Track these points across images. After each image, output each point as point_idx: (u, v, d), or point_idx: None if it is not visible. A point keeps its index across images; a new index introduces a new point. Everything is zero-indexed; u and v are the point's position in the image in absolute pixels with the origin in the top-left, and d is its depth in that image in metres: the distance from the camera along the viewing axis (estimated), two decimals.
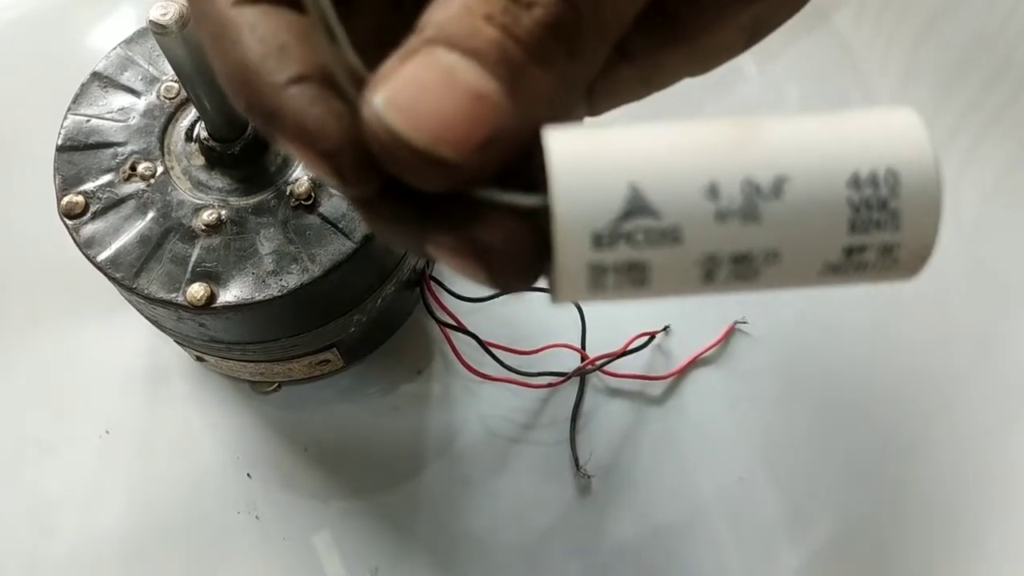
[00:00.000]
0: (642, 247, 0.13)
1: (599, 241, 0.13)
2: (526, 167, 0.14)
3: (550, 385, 0.32)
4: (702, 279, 0.13)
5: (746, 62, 0.40)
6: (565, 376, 0.32)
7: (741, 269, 0.13)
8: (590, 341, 0.33)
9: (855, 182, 0.13)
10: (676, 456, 0.32)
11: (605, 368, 0.32)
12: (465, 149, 0.12)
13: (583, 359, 0.32)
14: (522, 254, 0.13)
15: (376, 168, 0.13)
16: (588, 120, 0.20)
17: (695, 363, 0.33)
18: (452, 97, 0.12)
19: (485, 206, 0.13)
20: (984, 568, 0.30)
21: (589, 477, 0.32)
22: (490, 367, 0.32)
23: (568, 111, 0.14)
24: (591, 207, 0.13)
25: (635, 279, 0.13)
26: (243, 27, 0.14)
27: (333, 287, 0.27)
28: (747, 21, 0.18)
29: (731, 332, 0.34)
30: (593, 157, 0.13)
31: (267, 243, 0.26)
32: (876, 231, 0.13)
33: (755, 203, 0.13)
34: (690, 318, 0.34)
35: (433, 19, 0.13)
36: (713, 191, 0.13)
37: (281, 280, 0.26)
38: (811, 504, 0.32)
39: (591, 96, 0.19)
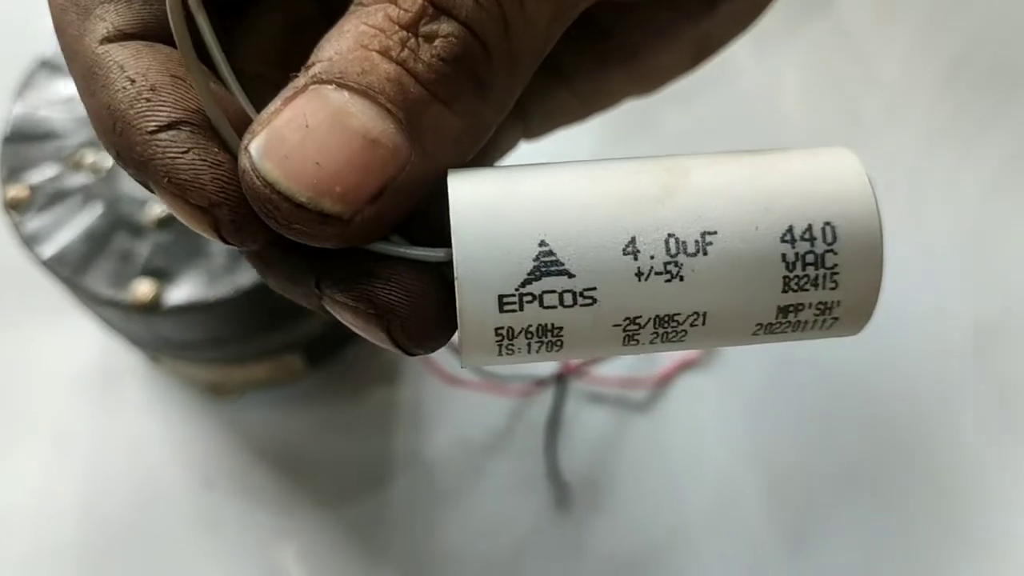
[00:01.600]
0: (555, 309, 0.12)
1: (506, 304, 0.11)
2: (435, 209, 0.12)
3: (526, 391, 0.30)
4: (623, 342, 0.12)
5: (743, 52, 0.38)
6: (543, 381, 0.30)
7: (666, 331, 0.12)
8: None
9: (789, 237, 0.12)
10: (661, 466, 0.31)
11: (585, 373, 0.31)
12: (355, 201, 0.11)
13: (561, 363, 0.31)
14: (426, 315, 0.12)
15: (260, 222, 0.12)
16: (524, 146, 0.18)
17: (681, 368, 0.32)
18: (341, 142, 0.11)
19: (384, 260, 0.12)
20: (987, 573, 0.29)
21: (568, 488, 0.30)
22: (463, 372, 0.30)
23: (473, 151, 0.13)
24: (496, 267, 0.11)
25: (548, 343, 0.12)
26: (112, 67, 0.12)
27: None
28: (693, 38, 0.17)
29: None
30: (499, 210, 0.12)
31: None
32: (813, 289, 0.12)
33: (679, 261, 0.12)
34: None
35: (322, 54, 0.11)
36: (632, 248, 0.12)
37: (235, 278, 0.24)
38: (804, 516, 0.30)
39: (526, 120, 0.17)
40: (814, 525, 0.30)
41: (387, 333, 0.12)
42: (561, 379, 0.31)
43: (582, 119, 0.18)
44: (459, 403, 0.31)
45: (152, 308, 0.24)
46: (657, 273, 0.11)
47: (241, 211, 0.12)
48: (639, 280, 0.11)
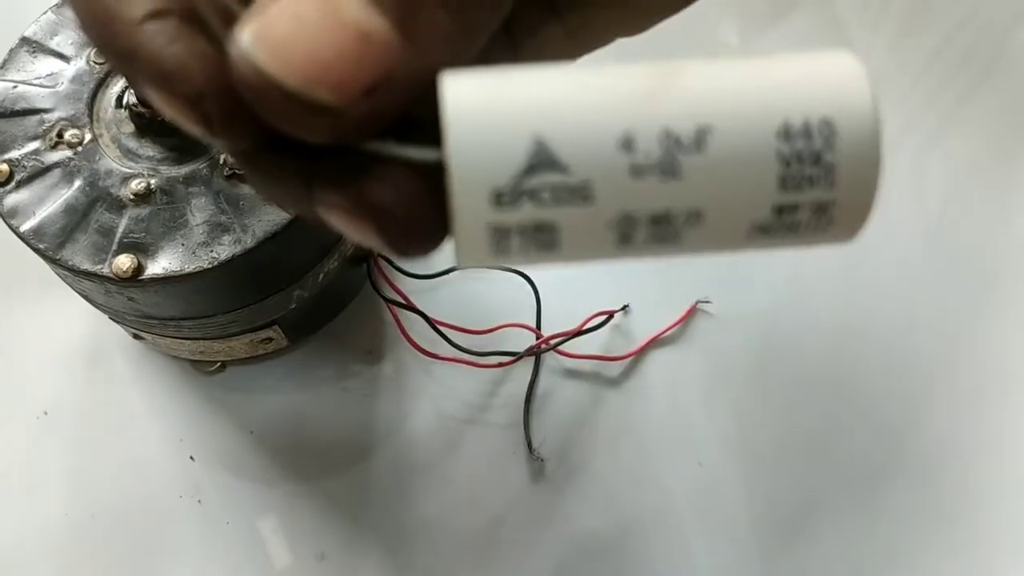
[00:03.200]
0: (549, 206, 0.12)
1: (500, 200, 0.11)
2: (429, 116, 0.12)
3: (501, 365, 0.31)
4: (618, 242, 0.12)
5: (729, 37, 0.39)
6: (517, 356, 0.31)
7: (661, 231, 0.12)
8: (545, 320, 0.32)
9: (785, 133, 0.12)
10: (634, 439, 0.31)
11: (560, 348, 0.31)
12: (348, 93, 0.11)
13: (537, 338, 0.31)
14: (419, 214, 0.12)
15: (251, 117, 0.12)
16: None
17: (655, 343, 0.32)
18: (334, 34, 0.11)
19: (378, 161, 0.12)
20: (956, 551, 0.29)
21: (543, 461, 0.31)
22: (441, 347, 0.31)
23: (466, 55, 0.13)
24: (490, 161, 0.11)
25: (543, 242, 0.12)
26: None
27: (268, 259, 0.25)
28: None
29: (693, 312, 0.33)
30: (493, 105, 0.12)
31: (198, 213, 0.25)
32: (809, 188, 0.12)
33: (675, 157, 0.11)
34: (650, 297, 0.33)
35: None
36: (628, 143, 0.11)
37: (212, 251, 0.25)
38: (773, 487, 0.31)
39: (516, 55, 0.18)
40: (785, 496, 0.30)
41: (381, 233, 0.12)
42: (536, 354, 0.31)
43: (572, 57, 0.18)
44: (438, 377, 0.32)
45: (131, 281, 0.24)
46: (652, 168, 0.11)
47: (230, 104, 0.11)
48: (634, 176, 0.11)
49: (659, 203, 0.12)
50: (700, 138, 0.12)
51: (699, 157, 0.12)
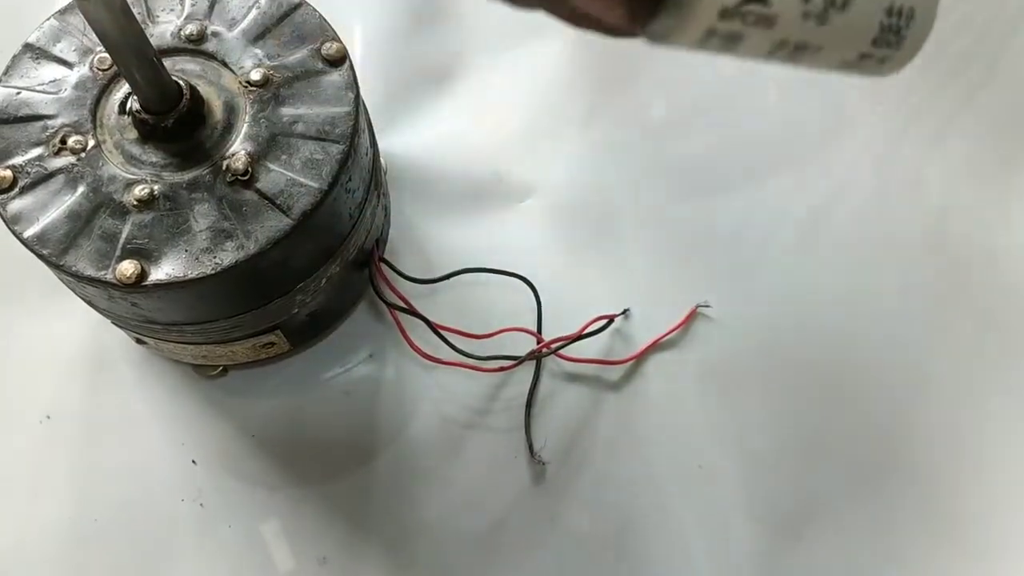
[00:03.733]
0: (748, 25, 0.16)
1: (724, 14, 0.15)
2: None
3: (502, 369, 0.31)
4: (768, 53, 0.17)
5: None
6: (518, 360, 0.31)
7: (794, 54, 0.17)
8: (546, 324, 0.32)
9: (889, 10, 0.17)
10: (634, 442, 0.31)
11: (561, 352, 0.31)
12: None
13: (538, 342, 0.32)
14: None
15: None
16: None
17: (655, 347, 0.32)
18: None
19: None
20: (956, 552, 0.30)
21: (544, 464, 0.31)
22: (443, 351, 0.31)
23: None
24: None
25: (727, 46, 0.16)
26: None
27: (271, 265, 0.26)
28: None
29: (693, 316, 0.33)
30: None
31: (201, 219, 0.25)
32: (885, 47, 0.17)
33: (828, 10, 0.16)
34: (651, 301, 0.33)
35: None
36: None
37: (215, 257, 0.25)
38: (772, 489, 0.31)
39: None
40: (781, 498, 0.31)
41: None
42: (537, 358, 0.31)
43: None
44: (440, 381, 0.32)
45: (134, 287, 0.24)
46: (815, 15, 0.16)
47: None
48: (803, 18, 0.16)
49: (806, 38, 0.16)
50: (846, 2, 0.16)
51: (841, 14, 0.16)
